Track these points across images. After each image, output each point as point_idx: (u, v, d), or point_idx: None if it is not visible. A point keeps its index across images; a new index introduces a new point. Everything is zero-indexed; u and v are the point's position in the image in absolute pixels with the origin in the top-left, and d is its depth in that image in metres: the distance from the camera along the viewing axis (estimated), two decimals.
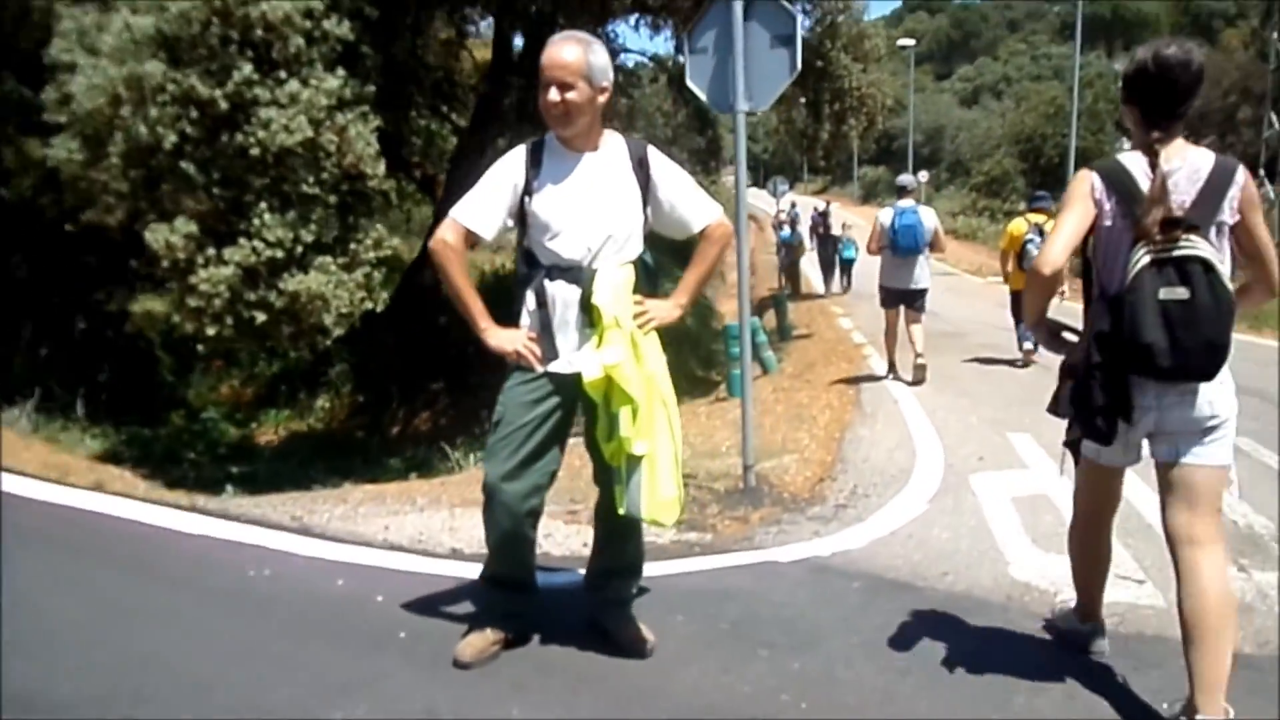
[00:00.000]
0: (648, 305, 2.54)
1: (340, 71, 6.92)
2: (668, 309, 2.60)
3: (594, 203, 2.46)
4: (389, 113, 8.31)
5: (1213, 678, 2.13)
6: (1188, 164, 2.21)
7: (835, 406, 7.41)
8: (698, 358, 14.96)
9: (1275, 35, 17.05)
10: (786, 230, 19.47)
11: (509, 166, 2.51)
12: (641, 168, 2.54)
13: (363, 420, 13.33)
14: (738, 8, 4.43)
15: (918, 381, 7.64)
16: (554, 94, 2.39)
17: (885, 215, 7.70)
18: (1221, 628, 2.15)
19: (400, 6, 9.27)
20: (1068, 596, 3.01)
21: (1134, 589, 3.33)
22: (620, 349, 2.37)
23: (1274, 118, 16.72)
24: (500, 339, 2.51)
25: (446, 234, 2.49)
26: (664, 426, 2.48)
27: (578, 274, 2.45)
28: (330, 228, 6.84)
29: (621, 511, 2.49)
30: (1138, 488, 3.92)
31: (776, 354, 11.28)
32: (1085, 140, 30.84)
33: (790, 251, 18.79)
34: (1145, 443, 2.34)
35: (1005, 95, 52.09)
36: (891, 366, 8.18)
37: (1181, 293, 2.08)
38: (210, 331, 6.38)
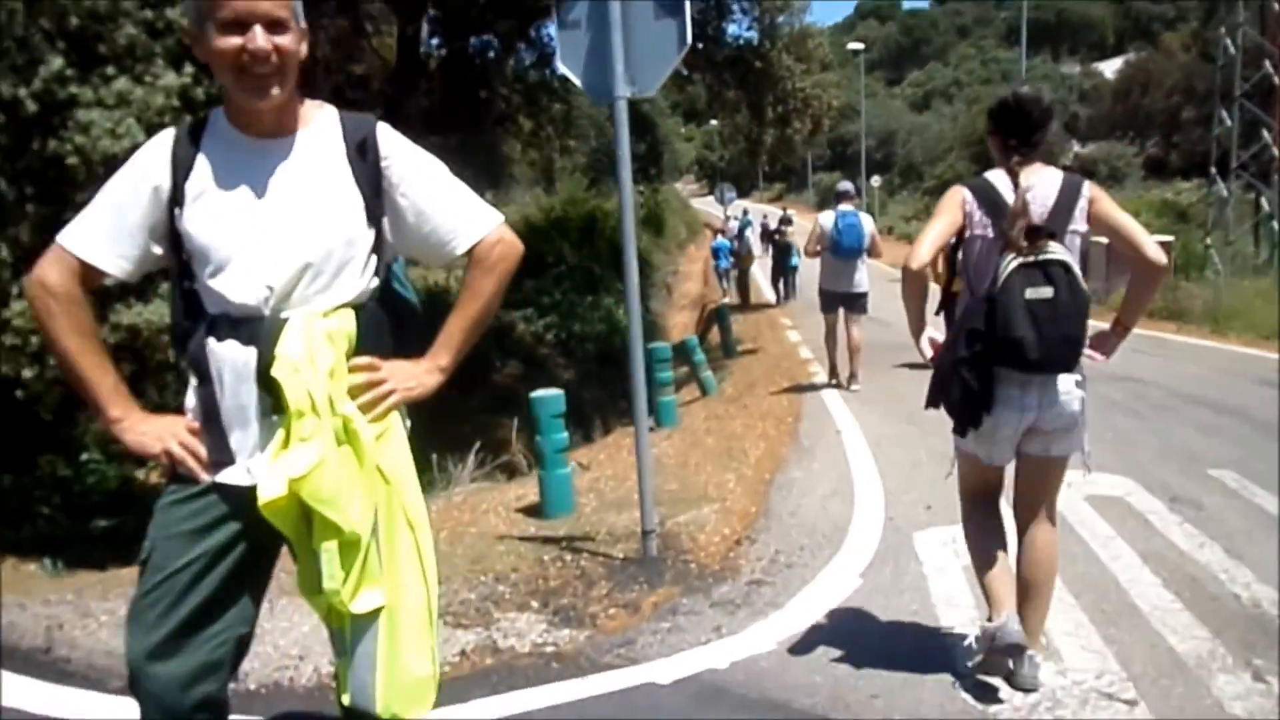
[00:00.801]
0: (384, 372, 1.64)
1: (188, 68, 5.96)
2: (416, 378, 1.69)
3: (281, 214, 1.56)
4: None
5: (1037, 624, 2.63)
6: (1043, 181, 2.49)
7: (771, 437, 6.59)
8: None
9: (1223, 31, 16.65)
10: (724, 240, 18.71)
11: (145, 164, 1.59)
12: (364, 156, 1.64)
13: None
14: None
15: (851, 384, 7.85)
16: (260, 38, 1.48)
17: (826, 218, 7.65)
18: (1048, 588, 2.65)
19: None
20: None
21: (1122, 710, 2.51)
22: (315, 449, 1.47)
23: (1224, 114, 16.34)
24: (142, 434, 1.58)
25: (47, 271, 1.57)
26: (411, 566, 1.58)
27: (254, 329, 1.54)
28: None
29: (345, 700, 1.59)
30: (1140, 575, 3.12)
31: (719, 373, 10.49)
32: None
33: (738, 261, 18.02)
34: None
35: (956, 99, 52.20)
36: (833, 372, 8.18)
37: (1046, 292, 2.33)
38: (28, 374, 5.37)
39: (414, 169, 1.68)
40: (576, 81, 3.88)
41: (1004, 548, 2.66)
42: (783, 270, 17.31)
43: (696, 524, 4.59)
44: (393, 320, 1.74)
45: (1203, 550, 3.68)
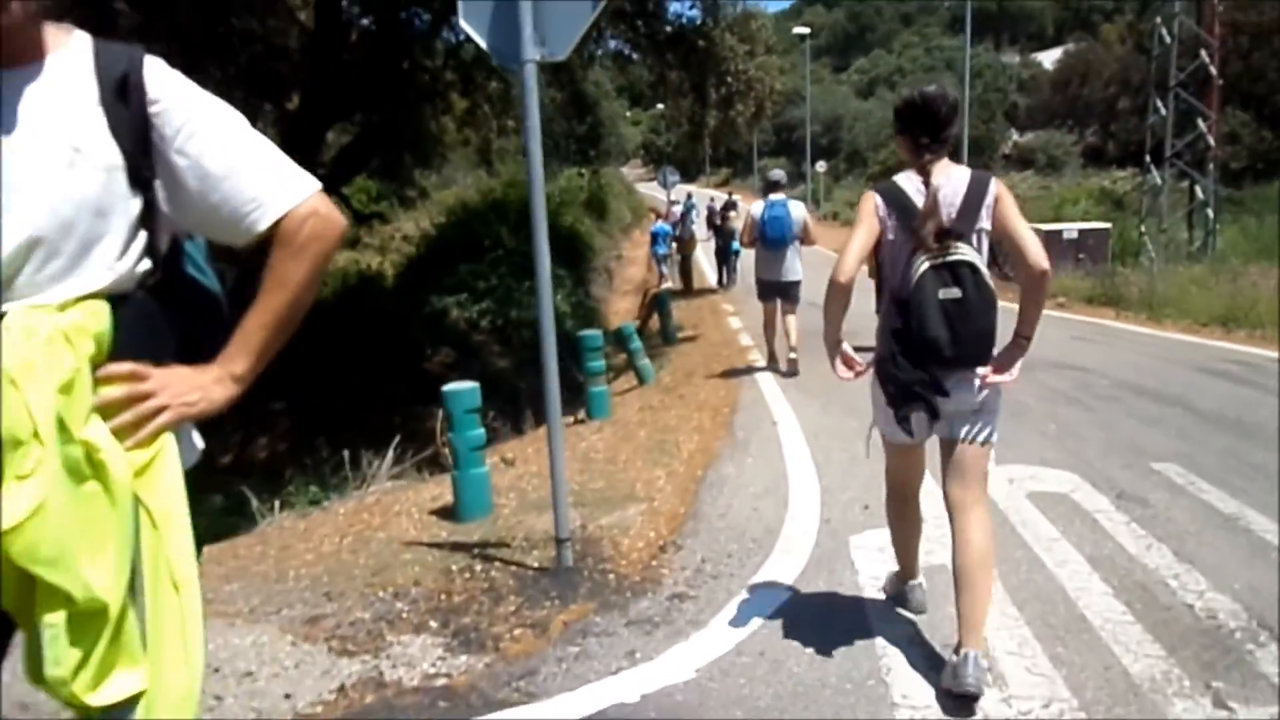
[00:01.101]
0: (153, 383, 1.25)
1: None
2: (200, 390, 1.29)
3: (2, 175, 1.16)
4: None
5: (977, 619, 2.47)
6: (951, 181, 2.52)
7: (706, 430, 6.29)
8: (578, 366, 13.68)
9: (1159, 21, 16.79)
10: (663, 224, 18.37)
11: None
12: (126, 100, 1.24)
13: None
14: None
15: (791, 374, 7.69)
16: None
17: (757, 208, 7.69)
18: (984, 577, 2.52)
19: None
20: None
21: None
22: (32, 490, 1.09)
23: (1159, 104, 16.51)
24: None
25: None
26: (172, 641, 1.20)
27: None
28: None
29: None
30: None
31: (659, 360, 10.18)
32: (977, 129, 30.98)
33: (680, 245, 17.70)
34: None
35: (900, 86, 52.54)
36: (772, 358, 8.13)
37: (955, 292, 2.40)
38: None
39: (197, 119, 1.29)
40: (481, 42, 3.48)
41: (918, 531, 2.94)
42: (725, 255, 17.07)
43: (620, 527, 4.27)
44: (184, 315, 1.35)
45: (1151, 553, 3.46)
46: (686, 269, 17.96)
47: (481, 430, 4.65)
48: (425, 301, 13.08)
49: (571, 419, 7.80)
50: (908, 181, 2.56)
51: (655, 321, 12.45)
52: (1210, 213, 16.39)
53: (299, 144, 9.82)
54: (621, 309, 18.88)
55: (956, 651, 2.46)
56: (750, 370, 8.33)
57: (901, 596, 3.07)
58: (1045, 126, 39.20)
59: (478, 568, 3.82)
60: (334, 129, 9.62)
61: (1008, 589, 3.18)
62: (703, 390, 7.90)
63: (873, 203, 2.59)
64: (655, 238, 18.09)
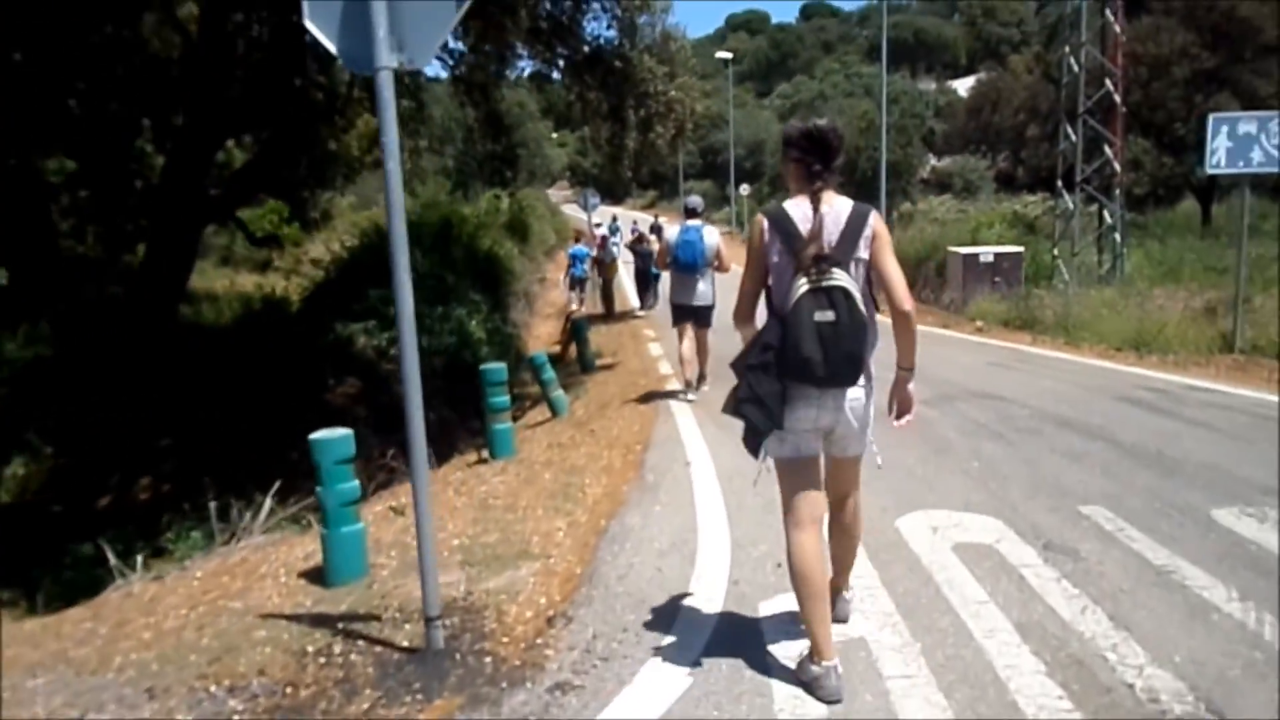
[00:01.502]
0: None
1: None
2: None
3: None
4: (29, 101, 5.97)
5: (848, 562, 3.10)
6: (834, 209, 2.68)
7: (615, 470, 5.87)
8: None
9: (1067, 50, 17.22)
10: (581, 246, 17.98)
11: None
12: None
13: (67, 489, 10.64)
14: None
15: (701, 379, 8.00)
16: None
17: (671, 233, 7.81)
18: (854, 552, 3.10)
19: None
20: None
21: None
22: None
23: (1069, 130, 16.89)
24: None
25: None
26: None
27: None
28: None
29: None
30: None
31: (574, 390, 9.75)
32: (895, 154, 31.55)
33: (602, 269, 17.32)
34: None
35: (821, 111, 53.51)
36: (687, 385, 8.06)
37: (830, 315, 2.56)
38: None
39: None
40: (330, 46, 3.01)
41: (825, 581, 2.77)
42: (645, 278, 16.77)
43: (509, 591, 3.80)
44: None
45: (1085, 617, 3.15)
46: (608, 293, 17.59)
47: (355, 484, 4.14)
48: (330, 329, 12.35)
49: (475, 457, 7.30)
50: (795, 208, 2.69)
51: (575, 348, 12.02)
52: (1118, 237, 16.78)
53: (186, 163, 9.09)
54: (543, 333, 18.35)
55: (813, 659, 2.71)
56: (670, 395, 8.13)
57: (814, 683, 2.72)
58: (960, 152, 40.25)
59: (337, 649, 3.31)
60: (241, 148, 8.99)
61: (933, 667, 2.82)
62: (617, 423, 7.50)
63: (761, 227, 2.72)
64: (573, 260, 17.67)
